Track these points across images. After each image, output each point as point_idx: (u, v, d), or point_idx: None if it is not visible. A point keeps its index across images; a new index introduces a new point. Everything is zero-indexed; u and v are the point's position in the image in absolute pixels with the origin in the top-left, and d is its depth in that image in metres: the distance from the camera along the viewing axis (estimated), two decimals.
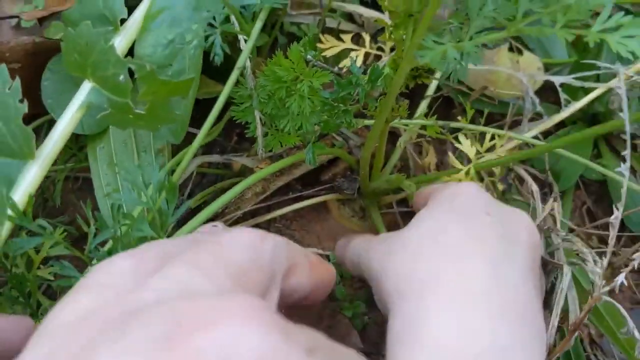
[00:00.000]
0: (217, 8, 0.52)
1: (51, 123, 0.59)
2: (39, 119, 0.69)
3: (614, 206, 0.52)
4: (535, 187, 0.64)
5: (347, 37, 0.73)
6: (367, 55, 0.75)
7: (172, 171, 0.57)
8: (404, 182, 0.63)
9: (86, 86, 0.47)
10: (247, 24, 0.56)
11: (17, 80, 0.44)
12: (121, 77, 0.45)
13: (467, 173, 0.64)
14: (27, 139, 0.44)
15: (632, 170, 0.77)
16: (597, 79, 0.78)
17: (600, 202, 0.81)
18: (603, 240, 0.77)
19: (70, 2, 0.63)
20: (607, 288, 0.48)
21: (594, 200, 0.80)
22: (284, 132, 0.56)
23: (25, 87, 0.60)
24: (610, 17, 0.38)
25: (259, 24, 0.56)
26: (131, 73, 0.47)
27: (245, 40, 0.56)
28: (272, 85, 0.53)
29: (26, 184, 0.44)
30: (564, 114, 0.73)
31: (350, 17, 0.79)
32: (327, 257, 0.69)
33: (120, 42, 0.51)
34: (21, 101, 0.44)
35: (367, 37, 0.75)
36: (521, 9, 0.41)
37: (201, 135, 0.53)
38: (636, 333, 0.49)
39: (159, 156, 0.61)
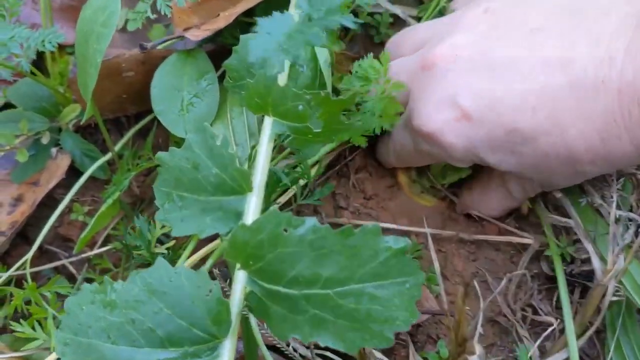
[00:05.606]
0: None
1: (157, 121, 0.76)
2: (147, 117, 0.83)
3: None
4: None
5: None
6: None
7: None
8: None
9: (268, 121, 0.57)
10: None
11: (223, 136, 0.53)
12: (300, 107, 0.54)
13: None
14: (245, 177, 0.54)
15: None
16: None
17: None
18: None
19: (223, 20, 0.72)
20: None
21: None
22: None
23: (136, 91, 0.77)
24: None
25: None
26: None
27: None
28: (361, 82, 0.65)
29: (252, 211, 0.54)
30: None
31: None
32: (402, 233, 0.77)
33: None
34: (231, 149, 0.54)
35: None
36: None
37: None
38: None
39: None
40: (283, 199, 0.74)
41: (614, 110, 0.54)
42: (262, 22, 0.63)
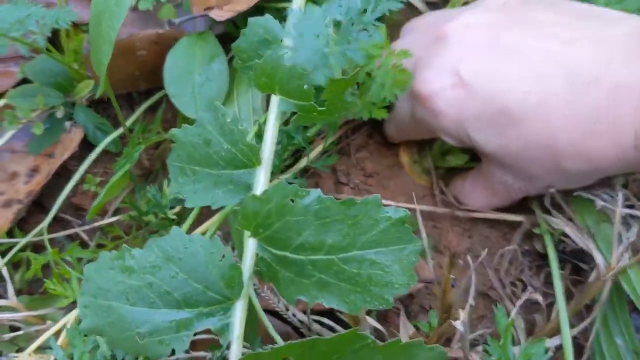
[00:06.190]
0: None
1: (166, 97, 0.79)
2: (157, 93, 0.86)
3: None
4: None
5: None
6: None
7: None
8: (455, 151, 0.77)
9: (275, 99, 0.60)
10: None
11: (235, 110, 0.56)
12: (305, 86, 0.58)
13: None
14: (254, 151, 0.57)
15: None
16: None
17: None
18: None
19: (245, 2, 0.75)
20: None
21: None
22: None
23: (148, 69, 0.80)
24: None
25: None
26: None
27: None
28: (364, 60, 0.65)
29: (261, 183, 0.58)
30: None
31: None
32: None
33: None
34: (241, 125, 0.57)
35: None
36: None
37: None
38: None
39: None
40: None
41: (600, 107, 0.56)
42: (294, 20, 0.65)
